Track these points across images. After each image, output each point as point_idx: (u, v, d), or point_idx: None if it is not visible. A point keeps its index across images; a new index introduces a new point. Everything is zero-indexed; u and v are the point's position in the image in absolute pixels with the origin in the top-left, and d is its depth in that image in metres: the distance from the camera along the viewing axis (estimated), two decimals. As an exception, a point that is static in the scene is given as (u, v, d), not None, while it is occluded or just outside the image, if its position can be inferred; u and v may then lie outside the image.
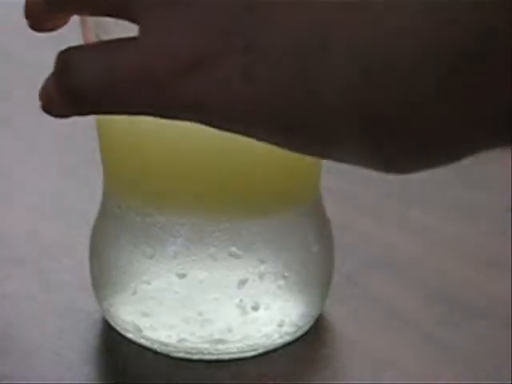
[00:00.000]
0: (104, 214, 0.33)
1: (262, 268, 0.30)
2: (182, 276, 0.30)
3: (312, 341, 0.32)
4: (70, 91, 0.24)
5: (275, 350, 0.31)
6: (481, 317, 0.34)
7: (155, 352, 0.31)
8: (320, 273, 0.32)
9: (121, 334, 0.32)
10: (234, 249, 0.30)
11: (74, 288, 0.35)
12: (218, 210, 0.30)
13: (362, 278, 0.36)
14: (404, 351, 0.32)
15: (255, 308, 0.30)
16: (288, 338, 0.31)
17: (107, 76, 0.23)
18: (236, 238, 0.30)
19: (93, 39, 0.29)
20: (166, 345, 0.31)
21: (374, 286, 0.36)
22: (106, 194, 0.33)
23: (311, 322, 0.32)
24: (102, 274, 0.32)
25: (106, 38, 0.27)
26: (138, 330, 0.31)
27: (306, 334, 0.32)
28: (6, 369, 0.30)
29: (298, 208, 0.31)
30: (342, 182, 0.42)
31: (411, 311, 0.34)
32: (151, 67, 0.22)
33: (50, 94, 0.25)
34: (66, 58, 0.24)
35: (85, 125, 0.55)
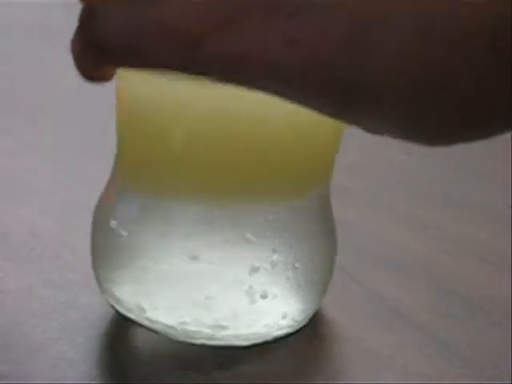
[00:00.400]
0: (111, 193, 0.32)
1: (275, 257, 0.30)
2: (194, 258, 0.30)
3: (311, 337, 0.32)
4: (96, 40, 0.23)
5: (274, 343, 0.31)
6: (483, 315, 0.34)
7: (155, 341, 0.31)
8: (325, 266, 0.32)
9: (124, 329, 0.32)
10: (249, 235, 0.30)
11: (76, 285, 0.35)
12: (231, 192, 0.30)
13: (363, 276, 0.36)
14: (405, 349, 0.32)
15: (263, 297, 0.30)
16: (288, 331, 0.31)
17: (135, 24, 0.22)
18: (251, 224, 0.30)
19: None
20: (168, 326, 0.31)
21: (375, 284, 0.36)
22: (118, 176, 0.32)
23: (310, 317, 0.32)
24: (106, 252, 0.32)
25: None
26: (142, 310, 0.31)
27: (304, 328, 0.32)
28: (7, 367, 0.30)
29: (311, 193, 0.31)
30: (345, 179, 0.42)
31: (413, 309, 0.34)
32: (180, 18, 0.21)
33: (77, 48, 0.24)
34: (92, 8, 0.23)
35: (85, 122, 0.55)
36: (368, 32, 0.20)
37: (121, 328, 0.32)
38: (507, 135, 0.21)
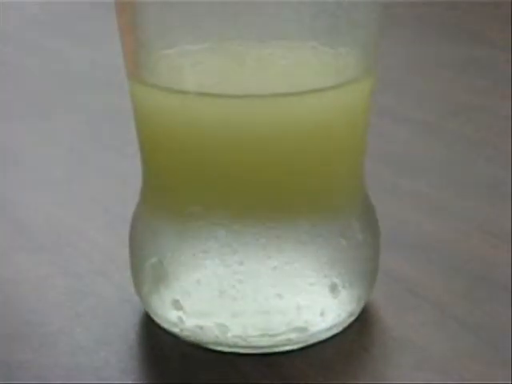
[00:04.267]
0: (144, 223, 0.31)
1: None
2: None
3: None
4: None
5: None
6: (504, 294, 0.33)
7: (173, 336, 0.31)
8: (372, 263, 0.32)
9: (139, 318, 0.32)
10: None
11: (92, 274, 0.35)
12: (269, 211, 0.29)
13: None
14: (424, 330, 0.31)
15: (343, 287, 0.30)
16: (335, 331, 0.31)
17: None
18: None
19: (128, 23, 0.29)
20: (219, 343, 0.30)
21: (391, 264, 0.35)
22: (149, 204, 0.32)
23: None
24: (157, 269, 0.30)
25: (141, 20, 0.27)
26: (225, 329, 0.30)
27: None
28: (25, 355, 0.30)
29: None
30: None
31: (431, 290, 0.34)
32: None
33: None
34: None
35: (100, 110, 0.55)
36: None
37: (137, 316, 0.32)
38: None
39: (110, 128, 0.52)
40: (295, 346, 0.30)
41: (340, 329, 0.31)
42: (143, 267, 0.31)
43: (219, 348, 0.30)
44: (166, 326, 0.31)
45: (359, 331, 0.31)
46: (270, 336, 0.29)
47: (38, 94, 0.59)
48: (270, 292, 0.29)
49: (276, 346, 0.30)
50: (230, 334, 0.29)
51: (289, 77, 0.29)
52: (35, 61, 0.67)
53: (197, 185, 0.29)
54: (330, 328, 0.30)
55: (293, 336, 0.30)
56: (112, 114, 0.54)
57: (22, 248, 0.38)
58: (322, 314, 0.30)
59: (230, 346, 0.30)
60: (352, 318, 0.31)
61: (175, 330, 0.30)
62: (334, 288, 0.30)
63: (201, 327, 0.30)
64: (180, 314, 0.30)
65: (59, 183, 0.44)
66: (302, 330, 0.30)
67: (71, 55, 0.68)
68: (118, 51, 0.29)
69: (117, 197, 0.42)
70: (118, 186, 0.43)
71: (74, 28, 0.78)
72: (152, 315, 0.31)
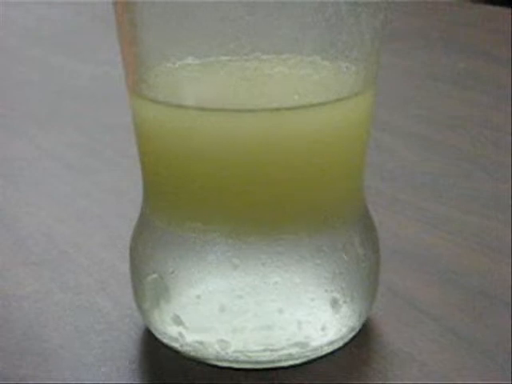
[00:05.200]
0: (149, 229, 0.31)
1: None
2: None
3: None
4: None
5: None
6: (503, 308, 0.33)
7: (174, 351, 0.31)
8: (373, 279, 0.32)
9: (138, 334, 0.32)
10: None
11: (92, 289, 0.35)
12: (274, 227, 0.29)
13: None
14: (425, 343, 0.31)
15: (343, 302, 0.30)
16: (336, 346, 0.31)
17: None
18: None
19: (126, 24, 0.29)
20: (220, 359, 0.30)
21: (391, 278, 0.35)
22: (148, 211, 0.32)
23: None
24: (158, 285, 0.30)
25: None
26: (226, 345, 0.30)
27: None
28: (24, 371, 0.30)
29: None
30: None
31: (428, 303, 0.34)
32: None
33: None
34: None
35: (101, 125, 0.55)
36: None
37: (138, 331, 0.32)
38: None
39: (111, 143, 0.52)
40: (296, 361, 0.30)
41: (341, 344, 0.31)
42: (144, 283, 0.31)
43: (220, 363, 0.30)
44: (166, 341, 0.31)
45: (360, 346, 0.31)
46: (271, 351, 0.29)
47: (38, 109, 0.59)
48: (271, 307, 0.29)
49: (277, 361, 0.30)
50: (230, 350, 0.29)
51: (289, 91, 0.29)
52: (36, 75, 0.67)
53: (197, 200, 0.29)
54: (331, 343, 0.30)
55: (294, 351, 0.30)
56: (113, 128, 0.54)
57: (23, 263, 0.38)
58: (322, 329, 0.30)
59: (230, 362, 0.30)
60: (353, 333, 0.31)
61: (176, 345, 0.30)
62: (334, 303, 0.30)
63: (201, 342, 0.30)
64: (180, 329, 0.30)
65: (60, 198, 0.44)
66: (303, 345, 0.30)
67: (72, 70, 0.68)
68: (119, 65, 0.29)
69: (117, 212, 0.42)
70: (118, 201, 0.43)
71: (74, 42, 0.78)
72: (153, 330, 0.31)
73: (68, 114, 0.58)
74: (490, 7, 0.91)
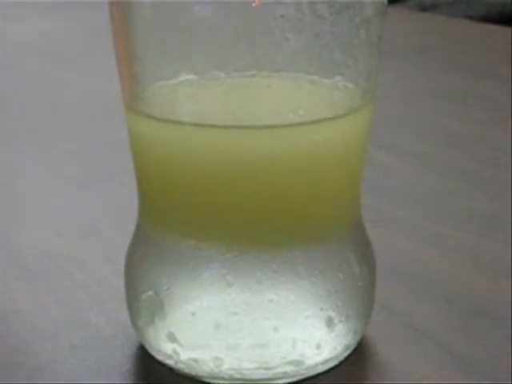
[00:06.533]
0: (145, 244, 0.31)
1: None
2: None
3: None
4: None
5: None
6: (500, 327, 0.33)
7: (168, 368, 0.31)
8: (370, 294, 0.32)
9: (132, 350, 0.32)
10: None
11: (86, 304, 0.35)
12: (269, 240, 0.29)
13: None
14: (420, 362, 0.31)
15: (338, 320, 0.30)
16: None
17: None
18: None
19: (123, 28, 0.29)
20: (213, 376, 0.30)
21: (386, 296, 0.35)
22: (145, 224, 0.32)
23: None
24: (153, 302, 0.30)
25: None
26: (220, 362, 0.29)
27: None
28: (17, 386, 0.30)
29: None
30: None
31: (426, 322, 0.34)
32: None
33: None
34: None
35: (99, 140, 0.55)
36: None
37: (132, 347, 0.32)
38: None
39: (108, 157, 0.52)
40: (291, 379, 0.30)
41: (336, 362, 0.31)
42: (139, 299, 0.31)
43: (214, 381, 0.30)
44: (160, 358, 0.31)
45: (355, 364, 0.31)
46: (266, 369, 0.29)
47: (35, 122, 0.59)
48: (266, 325, 0.29)
49: (272, 379, 0.30)
50: (225, 367, 0.29)
51: (286, 108, 0.29)
52: (34, 89, 0.67)
53: (192, 216, 0.29)
54: (326, 361, 0.30)
55: (289, 369, 0.29)
56: (111, 142, 0.54)
57: (18, 277, 0.37)
58: (318, 347, 0.30)
59: (225, 379, 0.30)
60: (348, 351, 0.31)
61: (170, 362, 0.30)
62: (330, 321, 0.30)
63: (196, 360, 0.29)
64: (175, 346, 0.30)
65: (56, 213, 0.44)
66: (298, 363, 0.29)
67: (70, 84, 0.68)
68: (117, 80, 0.29)
69: (114, 227, 0.42)
70: (115, 216, 0.43)
71: (73, 56, 0.78)
72: (147, 347, 0.31)
73: (65, 127, 0.58)
74: (490, 25, 0.91)
